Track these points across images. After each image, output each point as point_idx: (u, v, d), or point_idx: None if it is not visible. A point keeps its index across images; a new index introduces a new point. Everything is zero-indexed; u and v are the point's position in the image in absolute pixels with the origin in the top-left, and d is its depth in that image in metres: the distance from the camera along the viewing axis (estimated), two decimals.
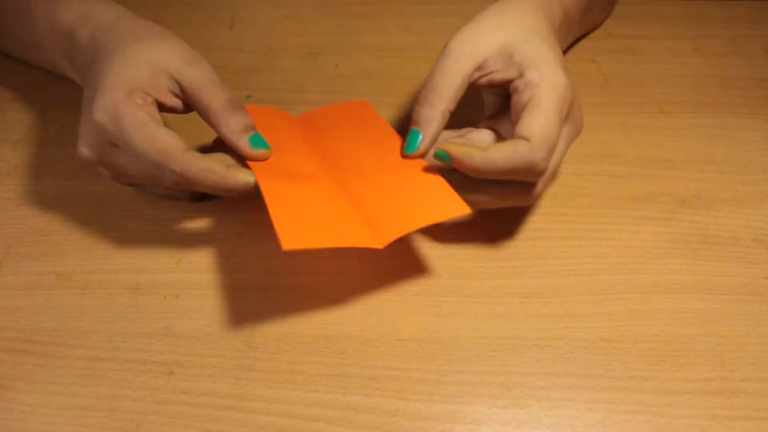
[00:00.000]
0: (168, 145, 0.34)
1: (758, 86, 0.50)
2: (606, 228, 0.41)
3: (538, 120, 0.34)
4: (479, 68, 0.37)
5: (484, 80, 0.38)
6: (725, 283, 0.38)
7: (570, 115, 0.37)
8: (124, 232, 0.41)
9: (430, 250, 0.39)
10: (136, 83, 0.36)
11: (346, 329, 0.36)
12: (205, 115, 0.37)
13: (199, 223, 0.41)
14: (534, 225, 0.41)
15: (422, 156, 0.37)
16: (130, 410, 0.33)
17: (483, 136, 0.37)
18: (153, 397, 0.33)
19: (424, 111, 0.37)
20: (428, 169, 0.37)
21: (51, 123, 0.48)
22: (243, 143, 0.37)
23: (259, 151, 0.37)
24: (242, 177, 0.36)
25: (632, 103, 0.49)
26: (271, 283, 0.38)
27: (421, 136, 0.37)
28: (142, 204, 0.42)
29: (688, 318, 0.36)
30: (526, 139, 0.34)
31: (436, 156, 0.35)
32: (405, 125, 0.47)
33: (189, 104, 0.38)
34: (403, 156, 0.38)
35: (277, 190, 0.35)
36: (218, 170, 0.35)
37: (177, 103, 0.38)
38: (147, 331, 0.36)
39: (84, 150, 0.37)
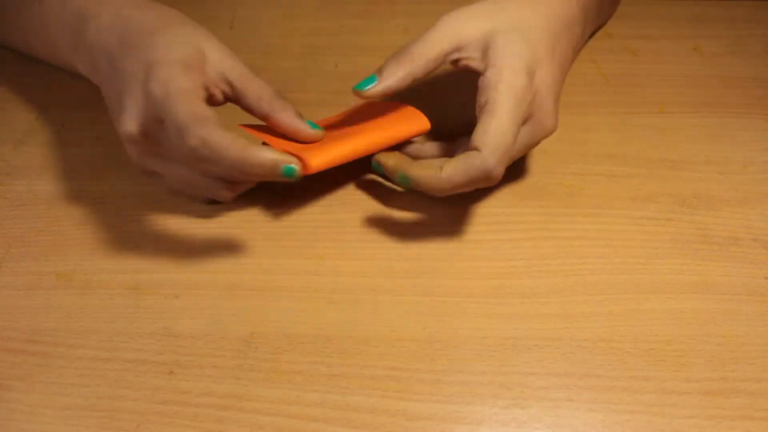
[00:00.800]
0: (208, 116, 0.34)
1: (758, 86, 0.51)
2: (606, 228, 0.41)
3: (492, 126, 0.35)
4: (458, 49, 0.38)
5: (461, 63, 0.38)
6: (725, 283, 0.38)
7: (534, 116, 0.37)
8: (124, 232, 0.41)
9: (430, 250, 0.39)
10: (191, 62, 0.36)
11: (346, 329, 0.36)
12: (257, 104, 0.38)
13: (200, 223, 0.41)
14: (534, 225, 0.41)
15: (367, 99, 0.38)
16: (130, 410, 0.33)
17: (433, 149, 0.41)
18: (153, 397, 0.33)
19: (390, 65, 0.38)
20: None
21: (51, 123, 0.48)
22: (303, 125, 0.39)
23: (318, 132, 0.39)
24: (263, 153, 0.34)
25: (632, 103, 0.49)
26: (271, 283, 0.38)
27: (376, 82, 0.38)
28: (142, 204, 0.42)
29: (688, 318, 0.36)
30: (477, 149, 0.34)
31: (399, 179, 0.37)
32: None
33: (227, 97, 0.39)
34: (352, 90, 0.38)
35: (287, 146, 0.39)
36: (239, 143, 0.34)
37: (218, 93, 0.38)
38: (147, 331, 0.36)
39: (130, 125, 0.36)
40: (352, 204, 0.42)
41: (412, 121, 0.41)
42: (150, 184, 0.43)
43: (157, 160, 0.38)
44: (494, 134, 0.34)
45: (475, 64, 0.38)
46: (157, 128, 0.36)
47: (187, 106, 0.34)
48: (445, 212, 0.41)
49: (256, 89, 0.38)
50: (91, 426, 0.32)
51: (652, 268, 0.38)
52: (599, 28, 0.55)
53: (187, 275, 0.38)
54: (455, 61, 0.38)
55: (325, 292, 0.37)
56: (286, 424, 0.32)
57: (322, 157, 0.37)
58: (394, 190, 0.43)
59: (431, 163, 0.37)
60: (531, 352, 0.35)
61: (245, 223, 0.41)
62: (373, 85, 0.37)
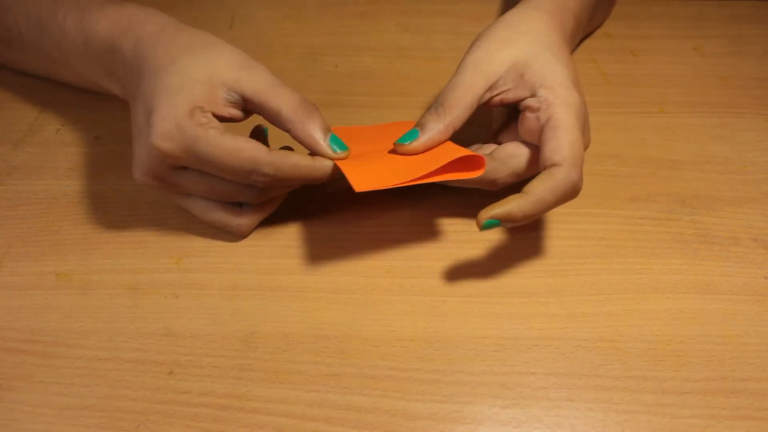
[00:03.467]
0: (254, 152, 0.34)
1: (758, 86, 0.51)
2: (606, 228, 0.41)
3: (566, 141, 0.35)
4: (491, 89, 0.38)
5: (496, 100, 0.38)
6: (725, 283, 0.38)
7: (585, 130, 0.37)
8: (124, 232, 0.41)
9: (430, 250, 0.39)
10: (194, 102, 0.35)
11: (346, 329, 0.36)
12: (276, 120, 0.37)
13: (199, 223, 0.41)
14: (534, 225, 0.41)
15: (410, 153, 0.38)
16: (130, 410, 0.33)
17: (515, 149, 0.38)
18: (153, 397, 0.33)
19: (429, 119, 0.38)
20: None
21: (51, 123, 0.48)
22: (324, 147, 0.37)
23: (340, 153, 0.37)
24: (326, 164, 0.36)
25: (632, 103, 0.49)
26: (271, 283, 0.38)
27: (418, 135, 0.37)
28: (142, 204, 0.42)
29: (688, 318, 0.36)
30: (558, 164, 0.34)
31: (485, 227, 0.34)
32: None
33: (252, 111, 0.38)
34: (395, 145, 0.38)
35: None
36: (305, 163, 0.36)
37: (236, 113, 0.37)
38: (147, 331, 0.36)
39: (140, 176, 0.36)
40: (352, 204, 0.42)
41: (468, 164, 0.37)
42: None
43: (180, 197, 0.38)
44: (570, 147, 0.34)
45: (511, 95, 0.38)
46: (175, 174, 0.36)
47: (226, 152, 0.34)
48: (444, 212, 0.41)
49: (274, 104, 0.36)
50: (91, 426, 0.32)
51: (652, 268, 0.38)
52: (586, 36, 0.55)
53: (187, 275, 0.38)
54: (489, 100, 0.38)
55: (325, 292, 0.37)
56: (286, 424, 0.32)
57: (369, 183, 0.35)
58: (394, 190, 0.43)
59: (508, 198, 0.35)
60: (531, 352, 0.35)
61: None
62: (415, 139, 0.37)
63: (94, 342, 0.35)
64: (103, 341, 0.35)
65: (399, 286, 0.38)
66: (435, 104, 0.38)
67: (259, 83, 0.36)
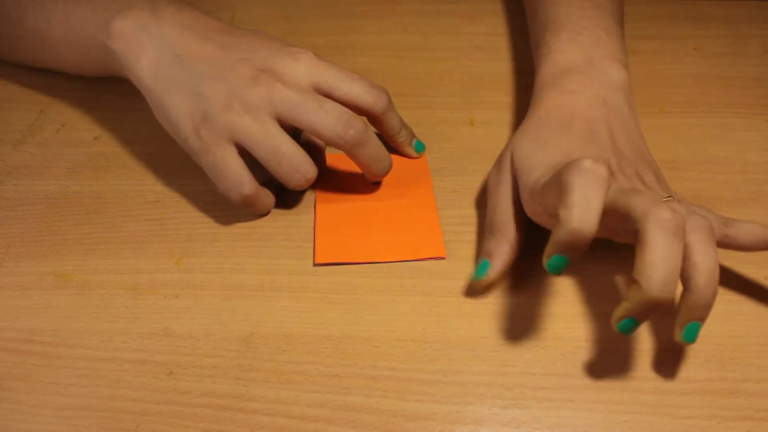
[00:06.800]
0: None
1: (758, 86, 0.50)
2: None
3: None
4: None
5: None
6: (725, 283, 0.38)
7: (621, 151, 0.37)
8: (124, 232, 0.41)
9: None
10: None
11: (346, 329, 0.36)
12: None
13: (199, 223, 0.41)
14: (534, 225, 0.41)
15: (486, 285, 0.37)
16: (130, 410, 0.33)
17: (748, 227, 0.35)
18: (153, 397, 0.33)
19: (494, 245, 0.37)
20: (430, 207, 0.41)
21: (51, 123, 0.48)
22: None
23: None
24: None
25: None
26: (270, 283, 0.38)
27: (490, 267, 0.36)
28: (142, 204, 0.42)
29: None
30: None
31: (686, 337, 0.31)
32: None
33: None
34: (473, 283, 0.37)
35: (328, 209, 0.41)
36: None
37: None
38: (147, 331, 0.36)
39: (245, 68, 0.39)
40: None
41: (430, 246, 0.39)
42: (150, 184, 0.43)
43: (264, 121, 0.38)
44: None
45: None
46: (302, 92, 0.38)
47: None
48: (444, 213, 0.41)
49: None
50: (91, 426, 0.32)
51: None
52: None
53: (187, 275, 0.38)
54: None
55: (325, 292, 0.37)
56: (286, 424, 0.32)
57: (329, 256, 0.39)
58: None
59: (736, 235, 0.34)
60: (531, 352, 0.35)
61: (245, 223, 0.41)
62: (490, 269, 0.36)
63: (93, 342, 0.35)
64: (103, 341, 0.35)
65: (399, 286, 0.38)
66: (491, 229, 0.38)
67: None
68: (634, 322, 0.30)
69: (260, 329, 0.36)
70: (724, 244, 0.35)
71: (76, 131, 0.48)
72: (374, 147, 0.39)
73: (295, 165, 0.38)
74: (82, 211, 0.42)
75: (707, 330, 0.35)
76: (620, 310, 0.30)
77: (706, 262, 0.30)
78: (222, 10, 0.59)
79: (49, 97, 0.50)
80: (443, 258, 0.38)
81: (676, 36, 0.55)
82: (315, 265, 0.38)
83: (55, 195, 0.43)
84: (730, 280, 0.38)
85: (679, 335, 0.31)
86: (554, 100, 0.40)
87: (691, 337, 0.31)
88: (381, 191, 0.42)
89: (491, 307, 0.37)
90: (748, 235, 0.35)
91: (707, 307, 0.31)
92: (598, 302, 0.37)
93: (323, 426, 0.32)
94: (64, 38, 0.44)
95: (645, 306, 0.29)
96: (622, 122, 0.39)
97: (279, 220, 0.41)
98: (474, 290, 0.37)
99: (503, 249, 0.36)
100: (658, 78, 0.51)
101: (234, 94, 0.37)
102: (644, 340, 0.35)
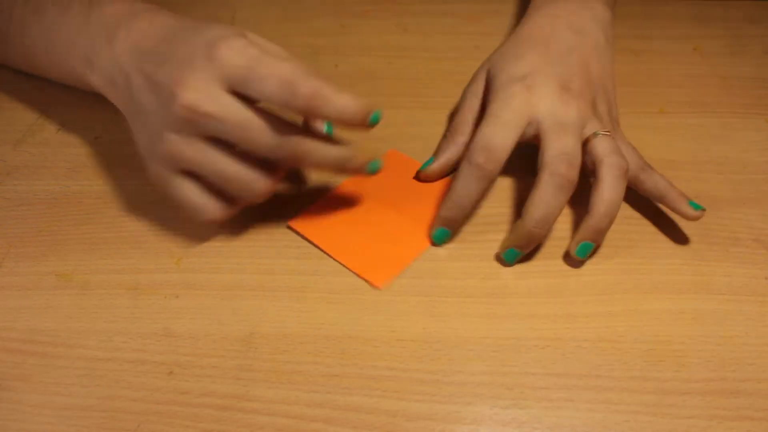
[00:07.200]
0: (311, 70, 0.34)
1: (758, 86, 0.51)
2: None
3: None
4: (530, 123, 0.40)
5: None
6: (725, 283, 0.38)
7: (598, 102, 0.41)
8: (124, 232, 0.41)
9: (430, 251, 0.39)
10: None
11: (346, 329, 0.36)
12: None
13: (199, 223, 0.41)
14: None
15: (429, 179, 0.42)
16: (130, 410, 0.33)
17: None
18: (153, 398, 0.33)
19: (441, 143, 0.43)
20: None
21: (51, 123, 0.48)
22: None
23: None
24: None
25: (632, 103, 0.49)
26: (270, 283, 0.38)
27: (432, 161, 0.43)
28: (142, 204, 0.42)
29: (688, 318, 0.36)
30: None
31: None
32: (405, 125, 0.47)
33: None
34: (419, 170, 0.42)
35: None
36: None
37: None
38: (147, 331, 0.36)
39: (191, 95, 0.34)
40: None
41: (378, 271, 0.38)
42: (150, 184, 0.43)
43: (198, 147, 0.35)
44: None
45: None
46: (217, 104, 0.34)
47: (288, 63, 0.33)
48: None
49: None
50: (91, 426, 0.32)
51: (652, 269, 0.38)
52: None
53: (187, 275, 0.38)
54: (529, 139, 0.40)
55: (325, 292, 0.37)
56: (286, 424, 0.32)
57: (302, 226, 0.40)
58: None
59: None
60: (531, 352, 0.35)
61: (245, 223, 0.41)
62: (431, 163, 0.42)
63: (94, 342, 0.35)
64: (103, 341, 0.35)
65: (399, 286, 0.38)
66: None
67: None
68: (515, 252, 0.37)
69: (260, 329, 0.36)
70: (633, 185, 0.40)
71: (76, 131, 0.48)
72: (317, 151, 0.35)
73: (243, 185, 0.36)
74: (83, 211, 0.42)
75: (707, 330, 0.35)
76: (505, 241, 0.38)
77: (610, 194, 0.36)
78: (222, 10, 0.59)
79: (49, 97, 0.50)
80: (378, 288, 0.37)
81: (676, 36, 0.55)
82: (287, 227, 0.40)
83: (55, 195, 0.43)
84: (731, 280, 0.38)
85: (573, 250, 0.37)
86: (537, 22, 0.44)
87: (583, 254, 0.37)
88: (399, 200, 0.42)
89: (491, 307, 0.37)
90: (651, 184, 0.40)
91: (601, 232, 0.37)
92: (599, 302, 0.37)
93: (323, 426, 0.32)
94: (48, 68, 0.46)
95: (523, 238, 0.37)
96: (596, 52, 0.42)
97: (279, 220, 0.41)
98: (418, 178, 0.43)
99: (449, 148, 0.42)
100: (658, 78, 0.51)
101: (165, 124, 0.35)
102: (644, 340, 0.35)
